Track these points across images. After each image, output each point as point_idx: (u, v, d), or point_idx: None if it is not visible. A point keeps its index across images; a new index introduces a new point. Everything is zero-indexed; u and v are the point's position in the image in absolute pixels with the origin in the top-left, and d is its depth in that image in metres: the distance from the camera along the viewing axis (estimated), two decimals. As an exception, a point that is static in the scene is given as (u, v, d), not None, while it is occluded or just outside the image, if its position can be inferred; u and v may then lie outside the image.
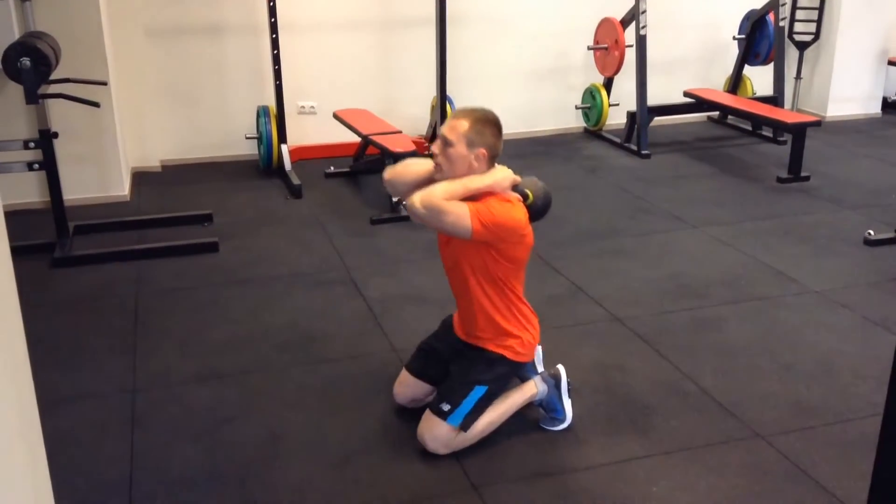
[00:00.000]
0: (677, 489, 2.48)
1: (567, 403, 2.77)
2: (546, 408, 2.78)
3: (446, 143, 2.51)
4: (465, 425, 2.60)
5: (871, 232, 4.35)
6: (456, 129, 2.50)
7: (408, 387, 2.85)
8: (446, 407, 2.59)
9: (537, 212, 2.62)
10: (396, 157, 4.69)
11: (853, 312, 3.59)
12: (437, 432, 2.59)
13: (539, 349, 2.98)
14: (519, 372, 2.77)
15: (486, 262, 2.54)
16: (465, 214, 2.42)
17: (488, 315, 2.62)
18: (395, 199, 4.71)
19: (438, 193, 2.44)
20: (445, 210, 2.42)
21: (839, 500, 2.42)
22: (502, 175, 2.55)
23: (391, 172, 2.69)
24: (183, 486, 2.51)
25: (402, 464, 2.60)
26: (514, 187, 2.58)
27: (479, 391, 2.60)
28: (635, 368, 3.16)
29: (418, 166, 2.64)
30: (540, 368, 2.91)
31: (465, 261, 2.58)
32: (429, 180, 2.56)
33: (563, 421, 2.77)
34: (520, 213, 2.53)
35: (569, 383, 2.80)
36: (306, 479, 2.54)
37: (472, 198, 2.49)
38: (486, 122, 2.53)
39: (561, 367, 2.83)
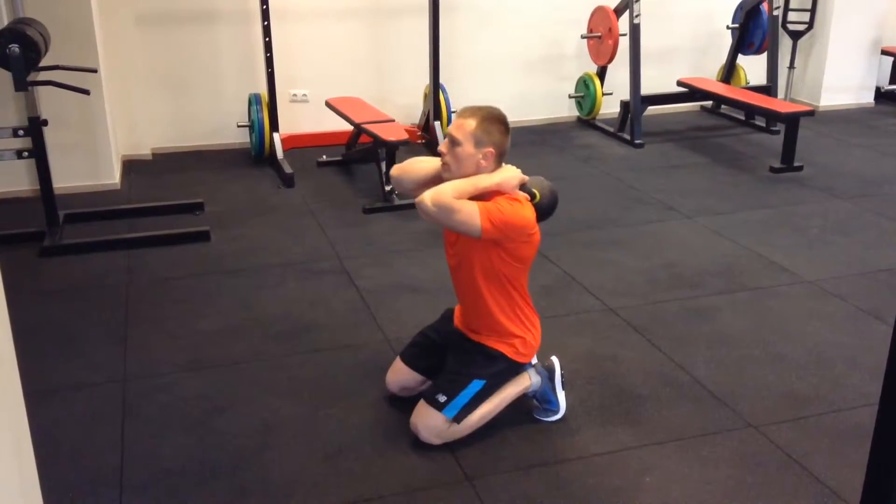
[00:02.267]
0: (670, 479, 2.48)
1: (561, 395, 2.77)
2: (539, 399, 2.77)
3: (454, 143, 2.50)
4: (458, 418, 2.59)
5: None
6: (463, 127, 2.49)
7: (399, 375, 2.84)
8: (442, 398, 2.58)
9: (544, 211, 2.61)
10: (389, 146, 4.68)
11: (846, 302, 3.60)
12: (431, 422, 2.58)
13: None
14: (516, 371, 2.74)
15: (493, 261, 2.54)
16: (474, 213, 2.41)
17: (492, 315, 2.61)
18: (395, 192, 4.67)
19: (448, 192, 2.43)
20: (456, 208, 2.41)
21: (832, 490, 2.43)
22: (511, 174, 2.55)
23: (398, 169, 2.69)
24: (174, 477, 2.50)
25: (396, 455, 2.59)
26: (522, 186, 2.57)
27: (476, 385, 2.59)
28: (628, 358, 3.16)
29: (426, 164, 2.64)
30: (534, 360, 2.91)
31: (472, 259, 2.57)
32: (436, 178, 2.55)
33: (556, 412, 2.76)
34: (528, 212, 2.52)
35: (562, 375, 2.79)
36: (298, 469, 2.53)
37: (480, 197, 2.48)
38: (494, 121, 2.52)
39: (555, 359, 2.83)
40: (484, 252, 2.53)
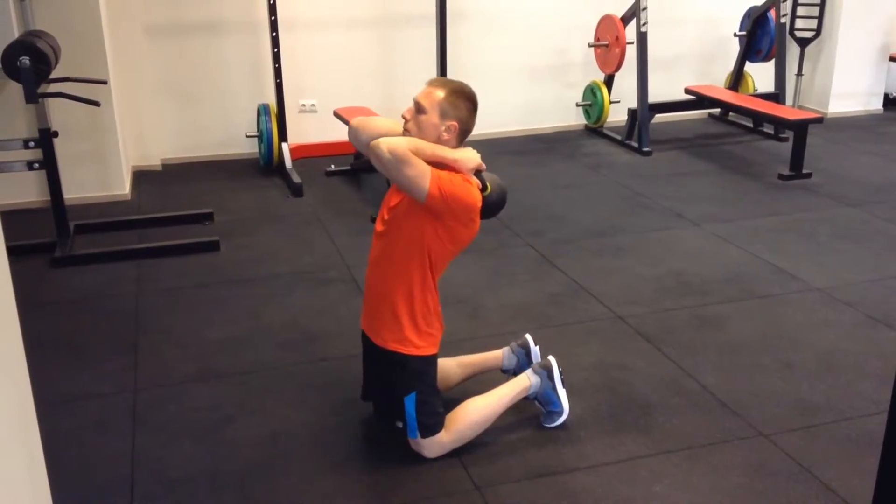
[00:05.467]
0: (680, 488, 2.47)
1: (562, 394, 2.75)
2: (542, 401, 2.76)
3: (419, 110, 2.46)
4: (426, 431, 2.56)
5: None
6: (431, 96, 2.46)
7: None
8: (400, 424, 2.60)
9: (489, 207, 2.56)
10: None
11: (855, 310, 3.58)
12: (417, 447, 2.60)
13: (536, 347, 2.97)
14: (432, 362, 2.63)
15: (425, 233, 2.47)
16: (426, 174, 2.36)
17: (392, 294, 2.53)
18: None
19: (406, 144, 2.38)
20: (410, 162, 2.35)
21: (843, 498, 2.41)
22: (470, 155, 2.50)
23: (359, 121, 2.59)
24: (183, 486, 2.50)
25: (404, 464, 2.59)
26: (477, 173, 2.52)
27: (410, 401, 2.55)
28: (637, 367, 3.15)
29: (387, 123, 2.57)
30: (535, 359, 2.91)
31: (404, 226, 2.50)
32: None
33: (561, 414, 2.75)
34: (477, 196, 2.48)
35: (561, 373, 2.77)
36: (307, 478, 2.53)
37: (435, 167, 2.42)
38: (462, 95, 2.48)
39: (552, 358, 2.80)
40: (420, 221, 2.46)
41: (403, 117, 2.51)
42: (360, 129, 2.55)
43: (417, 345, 2.56)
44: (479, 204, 2.49)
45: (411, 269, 2.51)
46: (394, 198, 2.56)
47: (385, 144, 2.36)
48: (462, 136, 2.52)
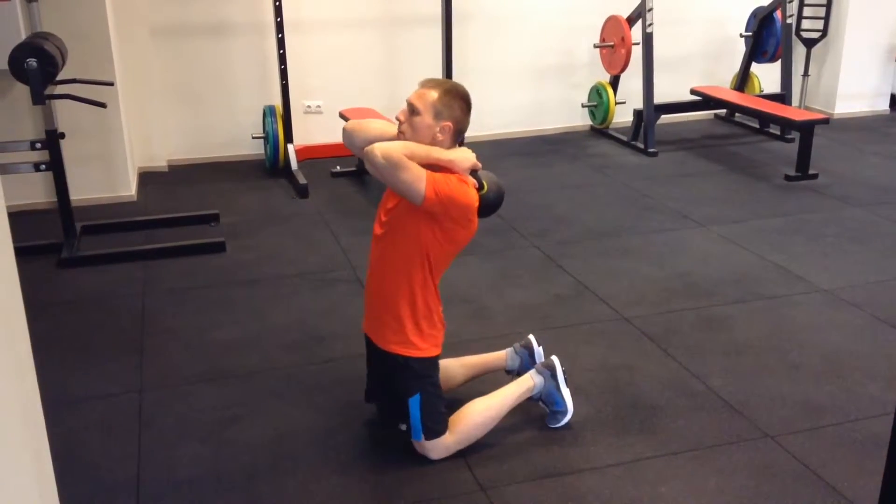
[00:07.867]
0: (686, 490, 2.47)
1: (566, 393, 2.75)
2: (546, 401, 2.76)
3: (412, 111, 2.46)
4: (431, 433, 2.56)
5: None
6: (424, 97, 2.46)
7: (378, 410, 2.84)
8: (404, 426, 2.60)
9: (487, 206, 2.56)
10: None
11: (862, 311, 3.57)
12: (422, 449, 2.60)
13: (539, 348, 2.97)
14: (435, 364, 2.64)
15: (423, 235, 2.47)
16: (421, 177, 2.36)
17: (394, 296, 2.53)
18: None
19: (399, 148, 2.38)
20: (404, 166, 2.35)
21: (849, 500, 2.41)
22: (465, 155, 2.49)
23: (354, 124, 2.60)
24: (189, 487, 2.51)
25: (410, 464, 2.59)
26: (473, 172, 2.52)
27: (414, 402, 2.55)
28: (643, 368, 3.15)
29: (381, 126, 2.57)
30: (538, 359, 2.91)
31: (402, 228, 2.50)
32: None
33: (565, 414, 2.75)
34: (473, 196, 2.48)
35: (564, 372, 2.77)
36: (313, 479, 2.54)
37: (430, 168, 2.42)
38: (456, 95, 2.48)
39: (555, 358, 2.80)
40: (417, 224, 2.46)
41: (397, 119, 2.51)
42: (353, 132, 2.57)
43: (420, 347, 2.56)
44: (476, 204, 2.49)
45: (412, 272, 2.51)
46: (390, 201, 2.56)
47: (379, 150, 2.36)
48: (457, 136, 2.52)
